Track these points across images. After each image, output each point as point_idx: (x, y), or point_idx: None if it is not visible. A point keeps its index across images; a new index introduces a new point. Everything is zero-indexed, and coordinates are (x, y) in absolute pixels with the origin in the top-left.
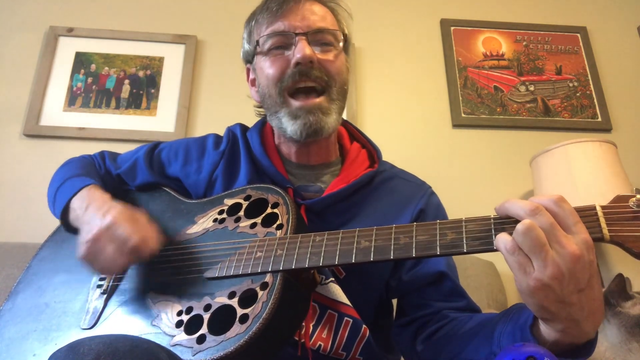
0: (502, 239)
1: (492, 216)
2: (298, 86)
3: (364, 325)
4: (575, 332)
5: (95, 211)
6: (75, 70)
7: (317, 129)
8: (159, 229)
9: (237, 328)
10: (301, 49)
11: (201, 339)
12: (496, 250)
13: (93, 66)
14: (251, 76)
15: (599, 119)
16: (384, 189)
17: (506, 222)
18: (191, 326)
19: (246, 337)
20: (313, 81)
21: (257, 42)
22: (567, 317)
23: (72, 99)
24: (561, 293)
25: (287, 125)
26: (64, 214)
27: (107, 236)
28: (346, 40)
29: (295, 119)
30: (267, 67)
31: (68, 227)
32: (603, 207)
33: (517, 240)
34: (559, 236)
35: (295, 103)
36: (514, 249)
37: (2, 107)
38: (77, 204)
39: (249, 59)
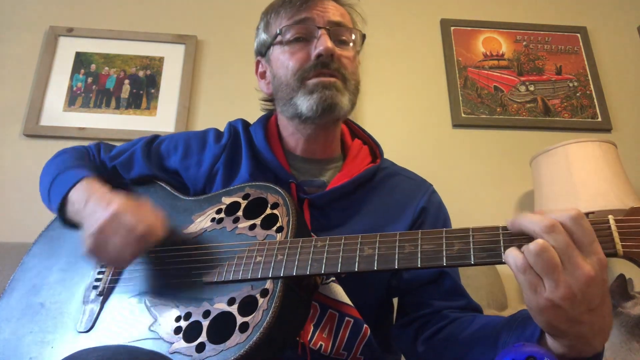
0: (512, 256)
1: (501, 226)
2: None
3: (365, 325)
4: (582, 348)
5: (97, 203)
6: (75, 70)
7: (331, 103)
8: (165, 217)
9: (237, 337)
10: (324, 42)
11: (200, 347)
12: (504, 263)
13: (93, 66)
14: (261, 69)
15: (599, 119)
16: (386, 186)
17: (516, 234)
18: (190, 333)
19: (247, 347)
20: (331, 73)
21: (280, 31)
22: (576, 334)
23: (72, 99)
24: (572, 313)
25: (303, 103)
26: (61, 208)
27: (112, 227)
28: (362, 41)
29: (312, 93)
30: (286, 59)
31: (66, 221)
32: (617, 220)
33: (529, 259)
34: (573, 257)
35: (312, 81)
36: (525, 267)
37: (2, 107)
38: (76, 197)
39: (262, 50)
